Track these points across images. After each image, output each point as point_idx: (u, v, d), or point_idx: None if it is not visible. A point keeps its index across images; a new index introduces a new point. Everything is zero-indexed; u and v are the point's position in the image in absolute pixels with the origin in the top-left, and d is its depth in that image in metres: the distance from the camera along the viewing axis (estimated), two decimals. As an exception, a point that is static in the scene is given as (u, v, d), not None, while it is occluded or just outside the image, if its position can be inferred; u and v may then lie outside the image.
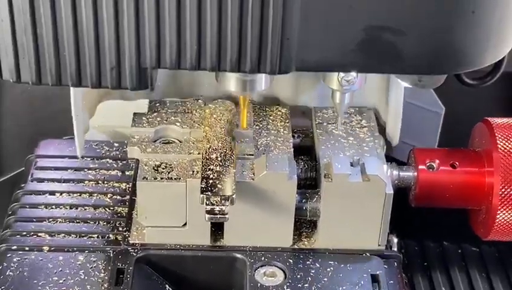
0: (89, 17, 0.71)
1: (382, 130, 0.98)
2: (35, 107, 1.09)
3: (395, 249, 0.91)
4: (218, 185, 0.83)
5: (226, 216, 0.82)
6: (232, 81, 0.80)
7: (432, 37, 0.72)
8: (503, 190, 0.89)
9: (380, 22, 0.71)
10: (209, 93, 0.98)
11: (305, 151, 0.95)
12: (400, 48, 0.72)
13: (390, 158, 0.95)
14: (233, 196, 0.82)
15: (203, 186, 0.83)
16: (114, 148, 1.02)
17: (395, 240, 0.91)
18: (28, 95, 1.08)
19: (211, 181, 0.84)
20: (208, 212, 0.82)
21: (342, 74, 0.82)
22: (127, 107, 0.99)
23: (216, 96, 0.97)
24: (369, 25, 0.71)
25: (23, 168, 1.01)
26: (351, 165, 0.87)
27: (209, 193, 0.82)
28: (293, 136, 0.94)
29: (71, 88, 0.84)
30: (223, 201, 0.81)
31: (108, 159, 1.00)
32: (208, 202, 0.81)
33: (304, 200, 0.88)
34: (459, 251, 1.05)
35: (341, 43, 0.72)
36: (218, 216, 0.82)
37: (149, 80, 0.74)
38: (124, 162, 1.00)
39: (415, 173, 0.92)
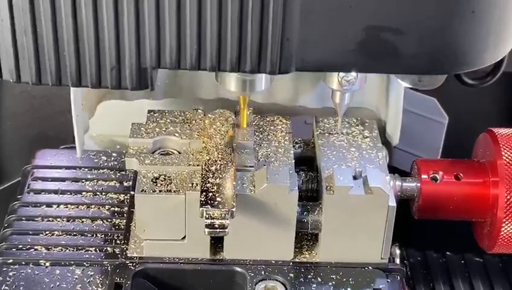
0: (89, 17, 0.71)
1: (383, 127, 0.98)
2: (36, 107, 1.09)
3: (398, 260, 0.90)
4: (218, 198, 0.82)
5: (226, 230, 0.80)
6: (232, 81, 0.80)
7: (432, 36, 0.72)
8: (508, 202, 0.88)
9: (380, 21, 0.71)
10: (209, 94, 0.98)
11: (306, 162, 0.94)
12: (399, 48, 0.72)
13: (391, 168, 0.94)
14: (233, 210, 0.80)
15: (203, 199, 0.82)
16: (112, 159, 1.01)
17: (398, 251, 0.90)
18: (28, 95, 1.08)
19: (210, 194, 0.82)
20: (207, 226, 0.80)
21: (342, 74, 0.82)
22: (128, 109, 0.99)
23: (215, 97, 0.97)
24: (369, 24, 0.71)
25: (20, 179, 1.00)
26: (354, 177, 0.86)
27: (208, 206, 0.81)
28: (294, 147, 0.93)
29: (71, 88, 0.85)
30: (222, 215, 0.80)
31: (106, 170, 0.99)
32: (207, 216, 0.80)
33: (305, 213, 0.87)
34: (462, 261, 1.04)
35: (341, 43, 0.72)
36: (218, 230, 0.80)
37: (149, 80, 0.75)
38: (122, 172, 0.99)
39: (418, 185, 0.91)
